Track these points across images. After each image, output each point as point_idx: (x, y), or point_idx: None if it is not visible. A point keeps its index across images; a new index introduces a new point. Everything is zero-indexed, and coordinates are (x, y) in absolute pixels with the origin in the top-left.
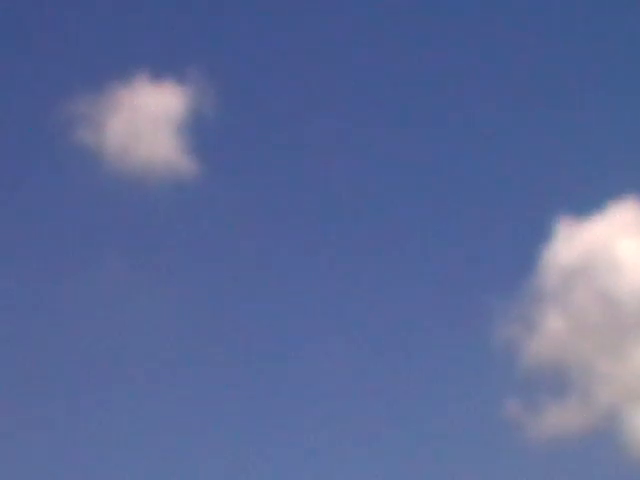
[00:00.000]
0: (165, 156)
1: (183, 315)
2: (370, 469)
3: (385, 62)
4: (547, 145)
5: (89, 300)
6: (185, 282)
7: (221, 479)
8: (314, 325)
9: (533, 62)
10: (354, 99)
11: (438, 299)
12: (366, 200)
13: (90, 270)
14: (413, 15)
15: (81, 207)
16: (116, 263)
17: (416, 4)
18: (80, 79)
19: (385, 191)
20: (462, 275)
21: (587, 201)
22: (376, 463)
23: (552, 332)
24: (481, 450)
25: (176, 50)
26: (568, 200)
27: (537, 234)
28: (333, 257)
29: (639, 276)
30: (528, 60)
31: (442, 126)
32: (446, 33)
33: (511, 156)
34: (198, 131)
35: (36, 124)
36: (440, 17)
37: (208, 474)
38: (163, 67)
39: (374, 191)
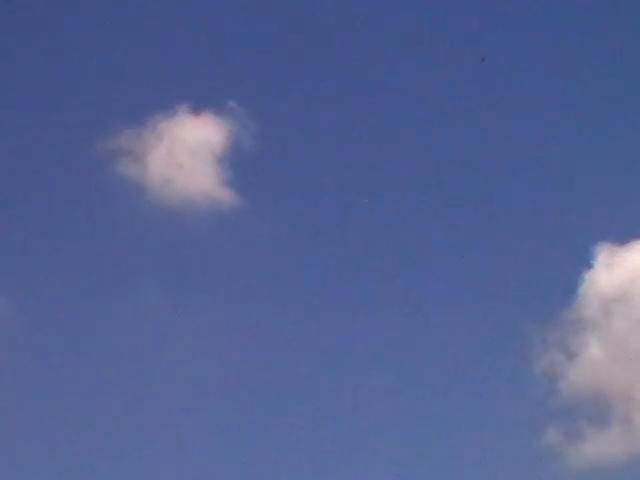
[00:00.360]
0: (205, 188)
1: (222, 347)
2: None
3: (428, 97)
4: (588, 174)
5: (128, 331)
6: (225, 314)
7: None
8: (354, 355)
9: (575, 95)
10: (395, 134)
11: (478, 326)
12: (407, 230)
13: (130, 301)
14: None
15: (123, 238)
16: (156, 294)
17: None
18: (123, 113)
19: (427, 218)
20: (502, 302)
21: (627, 229)
22: None
23: (592, 360)
24: (521, 479)
25: (216, 84)
26: (608, 228)
27: (577, 262)
28: (374, 288)
29: None
30: (571, 93)
31: (486, 154)
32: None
33: (553, 185)
34: (237, 163)
35: (81, 157)
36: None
37: None
38: (204, 100)
39: (414, 220)
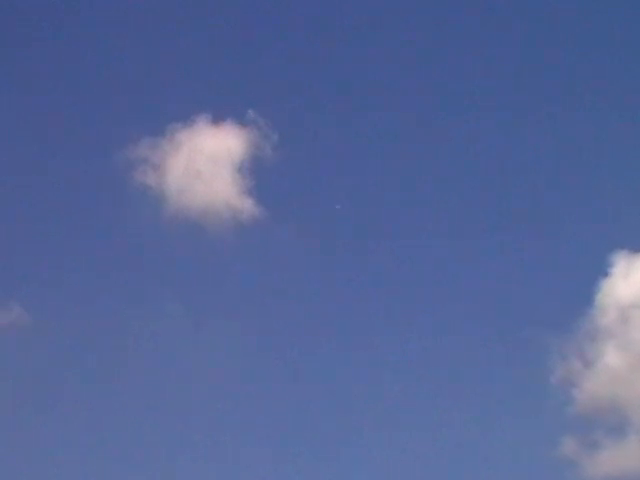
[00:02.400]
0: (224, 197)
1: (241, 361)
2: None
3: (449, 110)
4: (605, 182)
5: (144, 346)
6: (244, 326)
7: None
8: (374, 364)
9: (595, 102)
10: (418, 144)
11: (494, 335)
12: (424, 240)
13: (148, 314)
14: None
15: (141, 248)
16: (174, 307)
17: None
18: (143, 122)
19: (444, 227)
20: (518, 311)
21: None
22: None
23: (609, 368)
24: None
25: (236, 94)
26: (625, 237)
27: (594, 270)
28: (393, 298)
29: None
30: (591, 100)
31: (502, 162)
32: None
33: (570, 193)
34: (257, 173)
35: (100, 166)
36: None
37: None
38: (223, 110)
39: (432, 230)
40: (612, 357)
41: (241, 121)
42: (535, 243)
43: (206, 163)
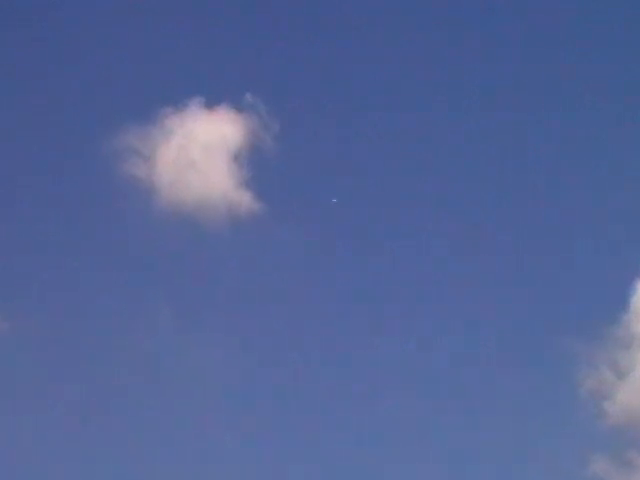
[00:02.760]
0: (220, 190)
1: (237, 367)
2: None
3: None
4: (636, 184)
5: (134, 351)
6: (240, 330)
7: None
8: (381, 371)
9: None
10: (427, 135)
11: (520, 343)
12: (443, 243)
13: (136, 317)
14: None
15: (130, 245)
16: (165, 309)
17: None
18: (130, 108)
19: (465, 229)
20: (545, 317)
21: None
22: None
23: None
24: None
25: (234, 75)
26: None
27: (627, 275)
28: (406, 302)
29: None
30: (622, 113)
31: (532, 168)
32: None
33: (601, 196)
34: (256, 163)
35: (84, 157)
36: None
37: None
38: (218, 94)
39: (448, 231)
40: None
41: (238, 106)
42: (564, 247)
43: (200, 152)
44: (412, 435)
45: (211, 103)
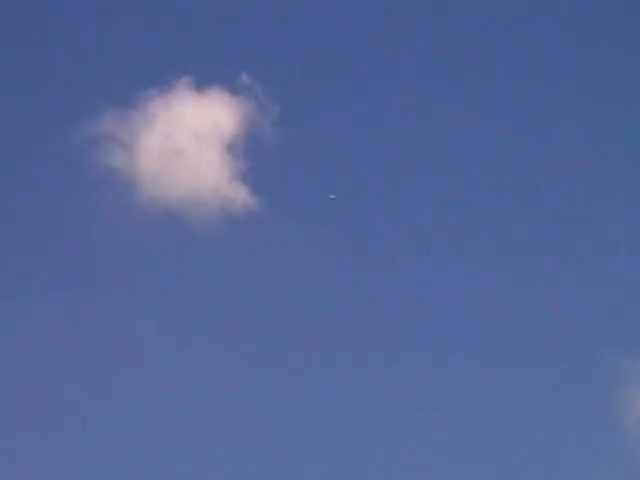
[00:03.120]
0: (211, 184)
1: (227, 382)
2: None
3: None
4: None
5: (113, 365)
6: (233, 340)
7: None
8: (385, 377)
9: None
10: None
11: (557, 360)
12: (472, 246)
13: (116, 328)
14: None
15: (108, 246)
16: (148, 319)
17: None
18: (107, 89)
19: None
20: (589, 330)
21: None
22: None
23: None
24: None
25: (227, 52)
26: None
27: None
28: (425, 310)
29: None
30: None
31: (577, 176)
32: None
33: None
34: (253, 154)
35: (55, 145)
36: None
37: None
38: (210, 73)
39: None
40: None
41: (232, 88)
42: (603, 264)
43: (188, 140)
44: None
45: (201, 84)
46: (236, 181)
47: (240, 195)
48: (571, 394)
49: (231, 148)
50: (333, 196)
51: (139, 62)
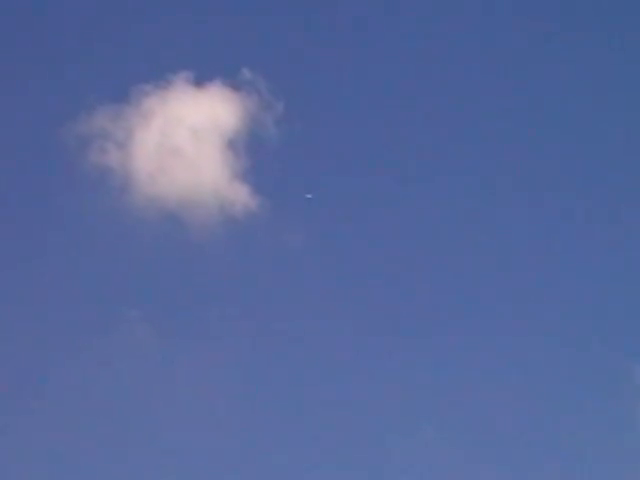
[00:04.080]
0: (211, 183)
1: (228, 394)
2: None
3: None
4: None
5: (108, 374)
6: (234, 349)
7: None
8: (391, 381)
9: None
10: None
11: (586, 374)
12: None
13: (111, 334)
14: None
15: (102, 248)
16: (142, 325)
17: None
18: (101, 84)
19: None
20: (610, 342)
21: None
22: None
23: None
24: None
25: (228, 46)
26: None
27: None
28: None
29: None
30: None
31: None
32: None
33: None
34: (255, 152)
35: (45, 144)
36: None
37: None
38: (210, 67)
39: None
40: None
41: (233, 83)
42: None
43: (187, 138)
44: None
45: (201, 79)
46: (236, 180)
47: (241, 195)
48: (599, 407)
49: (232, 146)
50: (309, 195)
51: (134, 56)
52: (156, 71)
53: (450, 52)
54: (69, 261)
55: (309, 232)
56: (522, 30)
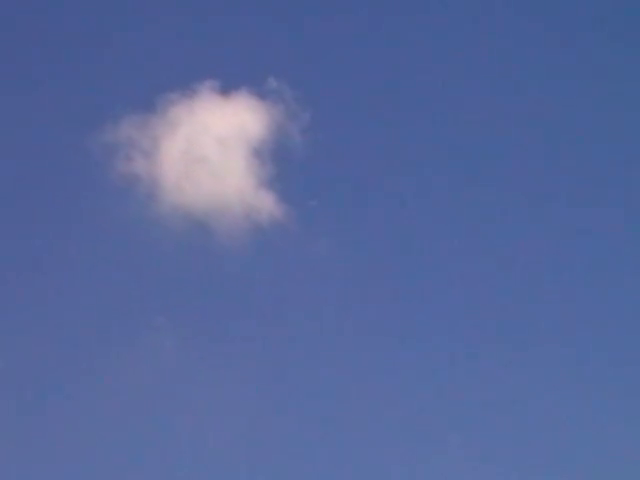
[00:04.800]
0: (237, 191)
1: (255, 405)
2: None
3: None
4: None
5: (136, 377)
6: (260, 363)
7: None
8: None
9: None
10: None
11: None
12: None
13: (136, 345)
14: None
15: (127, 258)
16: (169, 333)
17: None
18: (125, 93)
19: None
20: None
21: None
22: None
23: None
24: None
25: (254, 54)
26: None
27: None
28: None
29: None
30: None
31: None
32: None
33: None
34: (281, 159)
35: (70, 153)
36: None
37: None
38: (237, 76)
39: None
40: None
41: (260, 91)
42: None
43: (213, 146)
44: None
45: (227, 88)
46: (263, 189)
47: (267, 203)
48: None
49: (257, 154)
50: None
51: (159, 64)
52: (182, 80)
53: (491, 58)
54: (95, 269)
55: (335, 241)
56: None
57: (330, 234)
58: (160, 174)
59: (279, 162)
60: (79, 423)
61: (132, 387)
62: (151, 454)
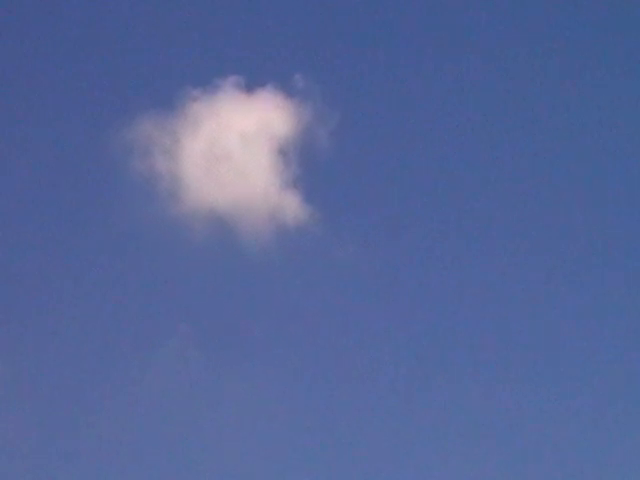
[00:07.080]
0: (261, 190)
1: (278, 413)
2: None
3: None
4: None
5: (155, 382)
6: (283, 368)
7: None
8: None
9: None
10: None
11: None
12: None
13: (155, 353)
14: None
15: (148, 259)
16: (192, 341)
17: None
18: (147, 90)
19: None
20: None
21: None
22: None
23: None
24: None
25: (280, 50)
26: None
27: None
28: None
29: None
30: None
31: None
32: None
33: None
34: (307, 158)
35: (91, 152)
36: None
37: None
38: (261, 72)
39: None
40: None
41: (286, 88)
42: None
43: (236, 144)
44: None
45: (252, 84)
46: (287, 188)
47: (291, 203)
48: None
49: (282, 154)
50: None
51: (183, 60)
52: (204, 75)
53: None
54: (116, 269)
55: (360, 244)
56: None
57: (355, 237)
58: (182, 172)
59: (305, 162)
60: (104, 430)
61: (155, 396)
62: (175, 460)
